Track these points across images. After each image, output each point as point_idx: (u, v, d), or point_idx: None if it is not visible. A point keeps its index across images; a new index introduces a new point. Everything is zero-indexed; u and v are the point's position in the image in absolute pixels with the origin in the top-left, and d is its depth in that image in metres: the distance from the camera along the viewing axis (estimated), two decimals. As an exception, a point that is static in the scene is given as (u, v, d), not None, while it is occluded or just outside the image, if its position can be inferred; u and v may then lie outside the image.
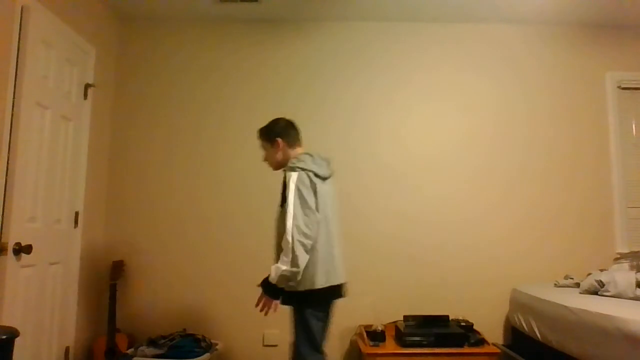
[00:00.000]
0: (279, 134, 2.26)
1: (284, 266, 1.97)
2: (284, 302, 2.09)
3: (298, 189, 2.03)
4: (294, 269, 1.97)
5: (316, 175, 2.11)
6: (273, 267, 2.00)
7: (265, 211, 3.34)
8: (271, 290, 2.03)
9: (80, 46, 2.97)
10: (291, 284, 2.02)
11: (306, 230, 1.99)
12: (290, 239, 1.97)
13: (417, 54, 3.52)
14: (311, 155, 2.19)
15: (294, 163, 2.13)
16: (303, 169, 2.09)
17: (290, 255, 1.97)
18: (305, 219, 2.01)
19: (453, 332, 2.83)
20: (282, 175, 2.16)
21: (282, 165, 2.27)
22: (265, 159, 2.34)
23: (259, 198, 3.36)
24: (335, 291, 2.13)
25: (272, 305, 2.04)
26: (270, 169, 2.35)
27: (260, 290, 2.08)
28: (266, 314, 2.04)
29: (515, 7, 3.32)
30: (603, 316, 2.19)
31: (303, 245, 1.98)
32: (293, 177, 2.06)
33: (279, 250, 2.06)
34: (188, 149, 3.42)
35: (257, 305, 2.05)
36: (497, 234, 3.35)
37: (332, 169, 2.28)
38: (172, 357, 2.75)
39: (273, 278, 1.99)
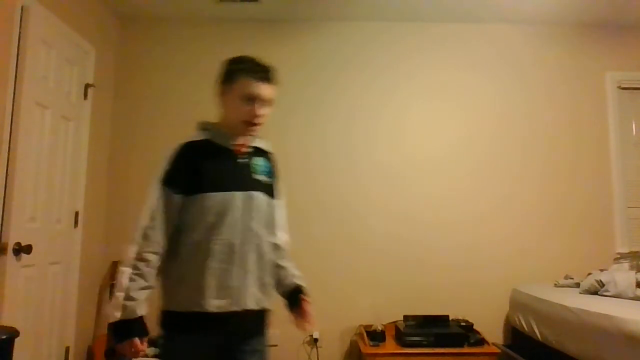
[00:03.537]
0: None
1: None
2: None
3: None
4: None
5: None
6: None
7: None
8: None
9: (80, 46, 2.96)
10: None
11: None
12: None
13: (416, 54, 3.52)
14: None
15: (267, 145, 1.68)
16: None
17: None
18: None
19: (453, 332, 2.84)
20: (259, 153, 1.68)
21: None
22: (264, 119, 1.62)
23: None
24: None
25: None
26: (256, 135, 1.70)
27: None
28: None
29: (516, 7, 3.32)
30: (603, 316, 2.19)
31: None
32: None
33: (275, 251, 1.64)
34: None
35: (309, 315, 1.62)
36: (497, 234, 3.35)
37: None
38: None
39: None
